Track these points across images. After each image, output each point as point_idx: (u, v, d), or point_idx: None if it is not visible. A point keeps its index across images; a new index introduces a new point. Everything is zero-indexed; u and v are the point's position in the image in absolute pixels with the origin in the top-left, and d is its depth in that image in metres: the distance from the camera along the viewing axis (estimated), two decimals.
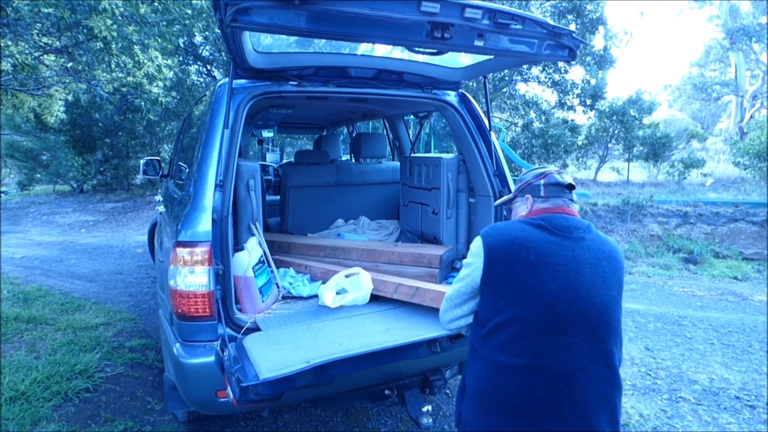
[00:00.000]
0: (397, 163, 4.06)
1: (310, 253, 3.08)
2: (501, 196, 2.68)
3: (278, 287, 2.49)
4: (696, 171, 12.17)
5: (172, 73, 6.26)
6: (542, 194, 1.47)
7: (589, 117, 12.69)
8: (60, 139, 12.77)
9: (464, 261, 1.48)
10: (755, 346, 3.98)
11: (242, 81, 2.30)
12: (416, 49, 2.21)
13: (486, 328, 1.34)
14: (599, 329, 1.28)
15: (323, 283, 2.64)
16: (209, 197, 2.00)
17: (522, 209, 1.53)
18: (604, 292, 1.30)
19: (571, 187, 1.47)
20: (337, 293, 2.23)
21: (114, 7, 4.34)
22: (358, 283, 2.23)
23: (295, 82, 2.37)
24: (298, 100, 3.17)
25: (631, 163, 13.13)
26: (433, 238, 3.17)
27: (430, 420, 2.17)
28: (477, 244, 1.42)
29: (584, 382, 1.25)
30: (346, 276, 2.32)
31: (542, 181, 1.48)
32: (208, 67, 12.14)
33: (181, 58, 10.40)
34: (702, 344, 4.02)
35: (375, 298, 2.36)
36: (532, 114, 12.53)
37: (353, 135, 4.93)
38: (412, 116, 4.21)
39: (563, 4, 11.02)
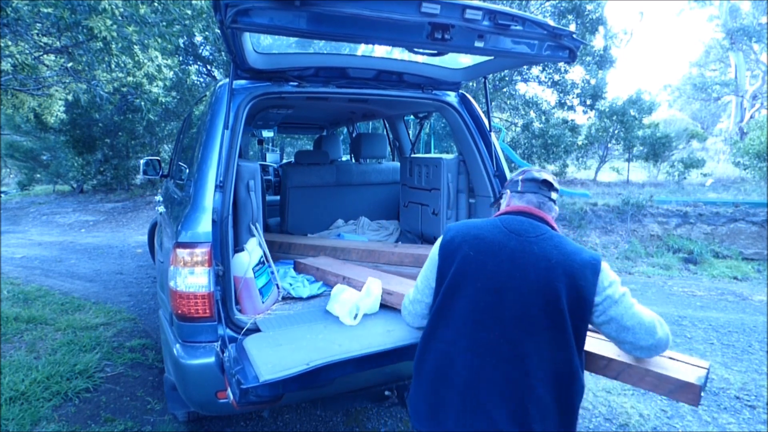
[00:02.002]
0: (397, 164, 4.06)
1: (310, 254, 3.08)
2: (501, 197, 2.68)
3: (278, 288, 2.49)
4: (696, 171, 12.16)
5: (172, 73, 6.26)
6: (519, 189, 1.53)
7: (589, 117, 12.68)
8: (60, 139, 12.77)
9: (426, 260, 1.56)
10: (755, 346, 3.98)
11: (242, 81, 2.30)
12: (416, 50, 2.21)
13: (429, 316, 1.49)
14: (514, 331, 1.30)
15: (326, 286, 2.63)
16: (209, 198, 2.00)
17: (503, 205, 1.59)
18: (528, 298, 1.29)
19: (546, 183, 1.50)
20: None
21: (114, 7, 4.34)
22: (369, 291, 2.22)
23: (295, 83, 2.37)
24: (298, 100, 3.17)
25: (631, 163, 13.13)
26: (433, 238, 3.17)
27: None
28: (437, 241, 1.51)
29: (491, 376, 1.30)
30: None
31: (521, 177, 1.55)
32: (208, 67, 12.13)
33: (181, 58, 10.39)
34: (702, 344, 4.02)
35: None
36: (532, 114, 12.52)
37: (353, 135, 4.93)
38: (412, 117, 4.21)
39: (563, 4, 11.01)
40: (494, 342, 1.30)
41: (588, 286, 1.30)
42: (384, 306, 2.30)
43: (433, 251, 1.51)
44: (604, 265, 1.35)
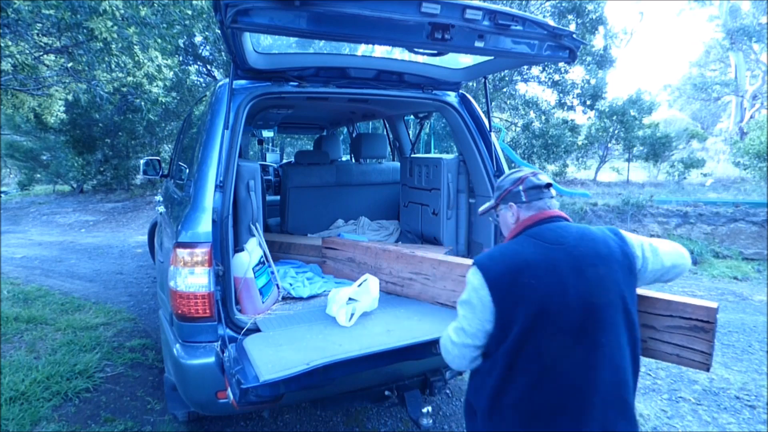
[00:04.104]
0: (397, 164, 4.06)
1: (310, 254, 3.08)
2: (498, 211, 2.68)
3: (278, 288, 2.49)
4: (696, 171, 12.16)
5: (172, 73, 6.25)
6: (524, 199, 1.48)
7: (589, 117, 12.68)
8: (60, 139, 12.77)
9: (462, 298, 1.41)
10: (755, 346, 3.98)
11: (242, 81, 2.30)
12: (416, 50, 2.21)
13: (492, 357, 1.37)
14: (595, 332, 1.30)
15: (326, 285, 2.63)
16: (209, 198, 2.00)
17: (509, 217, 1.53)
18: (599, 300, 1.31)
19: (548, 186, 1.50)
20: (347, 302, 2.20)
21: (114, 8, 4.34)
22: (368, 289, 2.22)
23: (296, 83, 2.37)
24: (298, 100, 3.17)
25: (631, 163, 13.12)
26: (433, 238, 3.17)
27: (430, 421, 2.17)
28: (476, 279, 1.36)
29: (598, 381, 1.30)
30: (359, 285, 2.27)
31: (521, 187, 1.49)
32: (208, 67, 12.13)
33: (181, 58, 10.39)
34: None
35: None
36: (532, 114, 12.51)
37: (353, 135, 4.93)
38: (412, 116, 4.21)
39: (563, 4, 11.01)
40: (588, 351, 1.30)
41: (629, 250, 1.39)
42: (384, 305, 2.30)
43: (478, 294, 1.35)
44: (620, 231, 1.46)
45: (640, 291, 1.51)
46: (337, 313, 2.10)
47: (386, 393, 2.22)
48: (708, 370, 1.47)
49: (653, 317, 1.54)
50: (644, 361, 3.69)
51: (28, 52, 4.88)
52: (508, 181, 1.55)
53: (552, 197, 1.50)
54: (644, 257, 1.42)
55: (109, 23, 4.27)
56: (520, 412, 1.32)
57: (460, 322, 1.42)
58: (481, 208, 1.69)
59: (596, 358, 1.30)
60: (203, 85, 11.39)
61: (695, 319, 1.46)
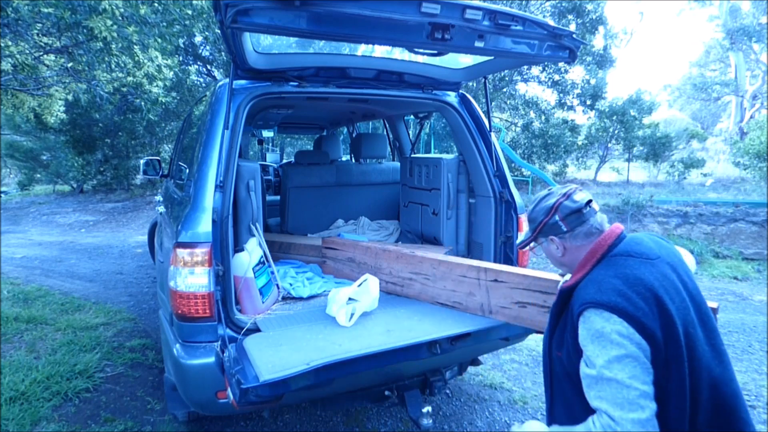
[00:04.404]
0: (397, 164, 4.06)
1: (310, 254, 3.08)
2: (501, 197, 2.68)
3: (278, 288, 2.49)
4: (696, 171, 12.17)
5: (172, 73, 6.24)
6: (565, 230, 1.31)
7: (589, 117, 12.68)
8: (60, 139, 12.77)
9: (609, 358, 1.10)
10: (755, 346, 3.98)
11: (242, 81, 2.30)
12: (416, 50, 2.21)
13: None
14: (714, 339, 1.24)
15: (326, 285, 2.63)
16: (209, 198, 2.00)
17: (554, 251, 1.36)
18: (695, 303, 1.24)
19: (590, 203, 1.33)
20: (347, 303, 2.20)
21: (114, 7, 4.34)
22: (368, 290, 2.22)
23: (296, 83, 2.37)
24: (298, 100, 3.17)
25: (631, 163, 13.12)
26: (434, 238, 3.17)
27: (430, 421, 2.18)
28: (620, 328, 1.11)
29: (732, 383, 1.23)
30: (359, 285, 2.26)
31: (557, 217, 1.31)
32: (208, 67, 12.14)
33: (181, 58, 10.39)
34: None
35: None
36: (532, 114, 12.52)
37: (353, 135, 4.92)
38: (412, 116, 4.20)
39: (563, 4, 11.02)
40: (721, 359, 1.23)
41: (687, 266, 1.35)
42: (384, 305, 2.30)
43: (625, 345, 1.10)
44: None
45: None
46: (337, 313, 2.10)
47: (386, 393, 2.22)
48: None
49: None
50: None
51: (28, 52, 4.87)
52: (541, 212, 1.35)
53: (596, 212, 1.33)
54: None
55: (109, 22, 4.27)
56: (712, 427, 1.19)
57: (628, 404, 1.06)
58: (520, 243, 1.46)
59: (726, 364, 1.21)
60: (203, 85, 11.39)
61: None
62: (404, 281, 2.48)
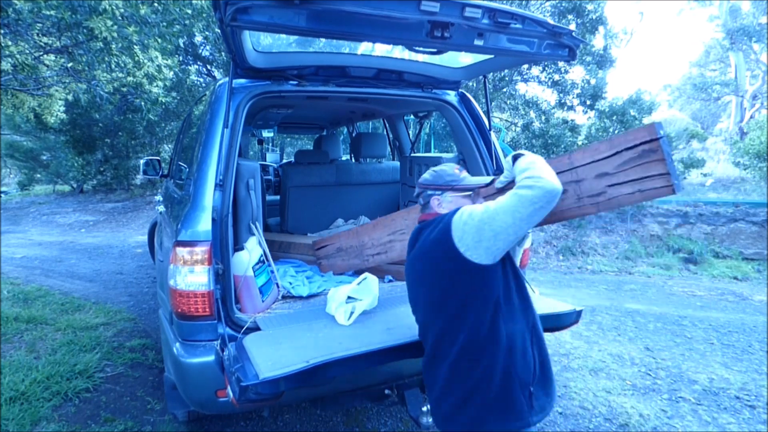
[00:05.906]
0: (397, 163, 4.06)
1: (310, 253, 3.08)
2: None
3: (278, 287, 2.49)
4: (696, 171, 12.14)
5: (172, 73, 6.24)
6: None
7: (589, 117, 12.67)
8: (60, 139, 12.77)
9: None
10: (755, 346, 3.98)
11: (242, 80, 2.30)
12: (416, 48, 2.21)
13: None
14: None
15: (325, 284, 2.63)
16: (209, 197, 2.00)
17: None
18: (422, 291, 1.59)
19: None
20: (346, 302, 2.20)
21: (114, 7, 4.34)
22: (369, 288, 2.21)
23: (295, 82, 2.37)
24: (298, 99, 3.17)
25: None
26: None
27: (431, 419, 2.17)
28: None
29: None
30: (358, 284, 2.27)
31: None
32: (208, 67, 12.13)
33: (181, 58, 10.38)
34: (702, 344, 4.01)
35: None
36: (532, 114, 12.52)
37: (353, 135, 4.93)
38: (412, 116, 4.21)
39: (563, 4, 11.02)
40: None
41: None
42: (384, 304, 2.30)
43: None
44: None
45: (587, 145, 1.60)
46: (337, 312, 2.10)
47: (386, 392, 2.22)
48: (674, 192, 1.38)
49: (602, 163, 1.50)
50: (644, 360, 3.70)
51: (28, 52, 4.87)
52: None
53: (426, 203, 1.72)
54: None
55: (109, 22, 4.27)
56: None
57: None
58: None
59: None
60: (203, 85, 11.39)
61: (640, 144, 1.40)
62: (385, 246, 2.56)
